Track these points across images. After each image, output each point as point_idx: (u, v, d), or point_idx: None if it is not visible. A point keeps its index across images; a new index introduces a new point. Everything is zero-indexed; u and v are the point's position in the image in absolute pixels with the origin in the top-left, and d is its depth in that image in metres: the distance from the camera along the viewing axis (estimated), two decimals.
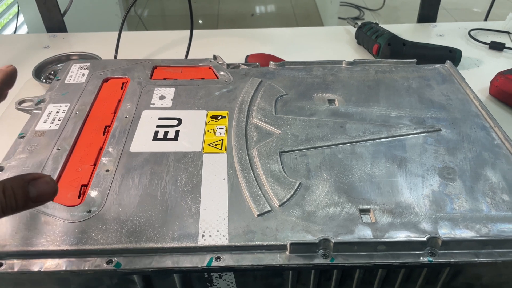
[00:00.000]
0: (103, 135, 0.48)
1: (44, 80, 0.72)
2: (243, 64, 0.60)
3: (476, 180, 0.42)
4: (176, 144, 0.46)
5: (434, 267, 0.36)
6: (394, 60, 0.61)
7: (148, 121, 0.49)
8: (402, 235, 0.37)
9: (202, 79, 0.57)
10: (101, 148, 0.46)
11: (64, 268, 0.35)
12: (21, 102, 0.52)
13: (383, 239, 0.36)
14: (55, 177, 0.42)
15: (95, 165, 0.44)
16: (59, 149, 0.45)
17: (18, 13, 1.36)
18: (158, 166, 0.43)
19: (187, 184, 0.41)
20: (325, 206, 0.39)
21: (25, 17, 1.51)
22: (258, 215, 0.38)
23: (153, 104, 0.52)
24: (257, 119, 0.49)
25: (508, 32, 0.89)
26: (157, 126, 0.48)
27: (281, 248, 0.36)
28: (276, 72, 0.58)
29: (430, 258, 0.36)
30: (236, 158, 0.44)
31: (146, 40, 0.88)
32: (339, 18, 2.13)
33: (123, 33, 0.78)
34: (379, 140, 0.47)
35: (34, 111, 0.51)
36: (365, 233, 0.37)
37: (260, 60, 0.68)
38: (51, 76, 0.73)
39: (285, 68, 0.59)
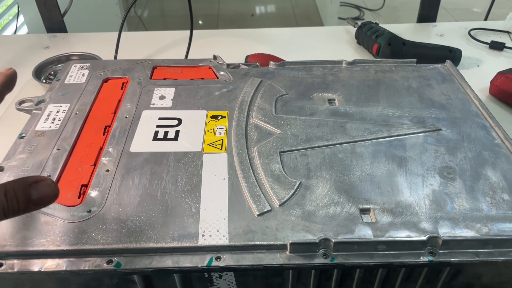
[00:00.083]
0: (103, 135, 0.48)
1: (44, 81, 0.72)
2: (243, 64, 0.60)
3: (476, 180, 0.42)
4: (176, 144, 0.46)
5: (434, 267, 0.36)
6: (394, 59, 0.61)
7: (148, 121, 0.49)
8: (402, 235, 0.37)
9: (202, 79, 0.57)
10: (101, 148, 0.46)
11: (64, 268, 0.35)
12: (21, 102, 0.52)
13: (383, 239, 0.36)
14: (55, 177, 0.42)
15: (95, 165, 0.44)
16: (59, 149, 0.45)
17: (18, 14, 1.36)
18: (158, 166, 0.43)
19: (187, 184, 0.41)
20: (325, 205, 0.39)
21: (25, 18, 1.51)
22: (258, 215, 0.38)
23: (153, 104, 0.52)
24: (257, 119, 0.49)
25: (508, 32, 0.89)
26: (157, 126, 0.48)
27: (281, 247, 0.36)
28: (276, 72, 0.58)
29: (430, 258, 0.36)
30: (236, 158, 0.44)
31: (146, 40, 0.88)
32: (339, 18, 2.13)
33: (123, 33, 0.78)
34: (379, 140, 0.47)
35: (34, 111, 0.51)
36: (365, 233, 0.37)
37: (260, 60, 0.68)
38: (51, 77, 0.73)
39: (285, 68, 0.59)
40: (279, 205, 0.39)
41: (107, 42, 0.82)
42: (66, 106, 0.51)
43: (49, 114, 0.50)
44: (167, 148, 0.45)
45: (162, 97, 0.53)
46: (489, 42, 0.84)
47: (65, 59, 0.75)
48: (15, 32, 1.33)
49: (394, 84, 0.56)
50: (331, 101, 0.53)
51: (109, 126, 0.49)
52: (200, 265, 0.35)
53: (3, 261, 0.35)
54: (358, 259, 0.36)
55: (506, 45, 0.83)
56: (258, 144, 0.46)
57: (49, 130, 0.48)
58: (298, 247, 0.36)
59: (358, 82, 0.56)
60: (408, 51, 0.75)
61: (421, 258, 0.36)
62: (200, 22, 2.29)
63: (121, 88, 0.55)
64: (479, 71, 0.77)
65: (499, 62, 0.79)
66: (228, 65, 0.59)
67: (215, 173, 0.43)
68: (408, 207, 0.39)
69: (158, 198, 0.40)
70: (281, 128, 0.48)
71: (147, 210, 0.39)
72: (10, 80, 0.36)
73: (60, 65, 0.75)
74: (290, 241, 0.35)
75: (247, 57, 0.73)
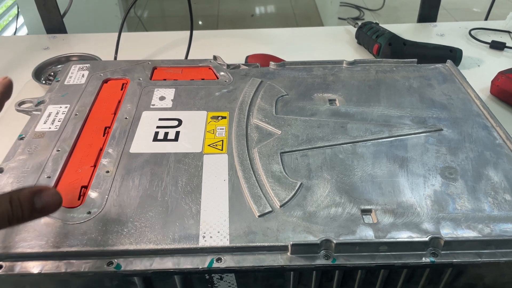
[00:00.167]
0: (103, 136, 0.47)
1: (44, 81, 0.71)
2: (243, 64, 0.60)
3: (478, 180, 0.42)
4: (176, 145, 0.46)
5: (436, 268, 0.36)
6: (395, 59, 0.61)
7: (148, 122, 0.49)
8: (404, 236, 0.37)
9: (202, 79, 0.57)
10: (101, 149, 0.45)
11: (64, 270, 0.34)
12: (21, 103, 0.52)
13: (385, 240, 0.36)
14: (55, 179, 0.42)
15: (95, 166, 0.43)
16: (59, 150, 0.45)
17: (18, 15, 1.36)
18: (159, 167, 0.43)
19: (187, 185, 0.41)
20: (326, 206, 0.39)
21: (25, 19, 1.51)
22: (259, 216, 0.38)
23: (153, 104, 0.52)
24: (257, 120, 0.49)
25: (508, 32, 0.89)
26: (157, 127, 0.48)
27: (282, 249, 0.36)
28: (277, 72, 0.58)
29: (432, 259, 0.35)
30: (237, 159, 0.44)
31: (146, 41, 0.88)
32: (339, 18, 2.13)
33: (123, 34, 0.78)
34: (380, 140, 0.47)
35: (34, 112, 0.51)
36: (366, 234, 0.37)
37: (260, 61, 0.68)
38: (51, 77, 0.73)
39: (285, 68, 0.59)
40: (280, 206, 0.39)
41: (107, 43, 0.82)
42: (66, 107, 0.51)
43: (49, 115, 0.50)
44: (167, 149, 0.45)
45: (162, 98, 0.53)
46: (489, 42, 0.84)
47: (65, 60, 0.75)
48: (15, 33, 1.33)
49: (395, 84, 0.56)
50: (331, 101, 0.53)
51: (109, 127, 0.48)
52: (200, 267, 0.35)
53: (3, 263, 0.35)
54: (360, 260, 0.35)
55: (507, 44, 0.83)
56: (259, 145, 0.46)
57: (49, 131, 0.48)
58: (299, 248, 0.35)
59: (359, 82, 0.56)
60: (408, 51, 0.75)
61: (423, 259, 0.36)
62: (200, 22, 2.29)
63: (121, 89, 0.55)
64: (480, 71, 0.77)
65: (500, 62, 0.79)
66: (228, 66, 0.59)
67: (215, 174, 0.42)
68: (410, 207, 0.39)
69: (159, 199, 0.40)
70: (281, 129, 0.48)
71: (147, 211, 0.38)
72: (8, 89, 0.37)
73: (60, 66, 0.75)
74: (291, 242, 0.35)
75: (247, 57, 0.73)
